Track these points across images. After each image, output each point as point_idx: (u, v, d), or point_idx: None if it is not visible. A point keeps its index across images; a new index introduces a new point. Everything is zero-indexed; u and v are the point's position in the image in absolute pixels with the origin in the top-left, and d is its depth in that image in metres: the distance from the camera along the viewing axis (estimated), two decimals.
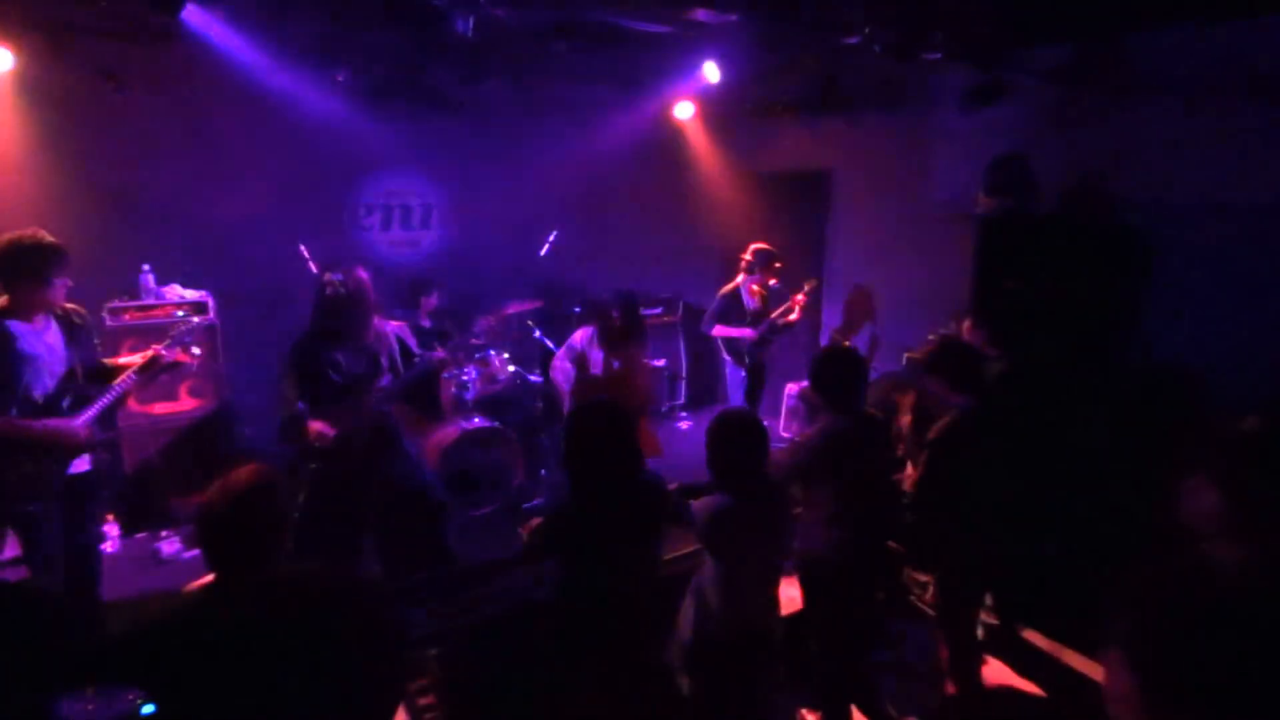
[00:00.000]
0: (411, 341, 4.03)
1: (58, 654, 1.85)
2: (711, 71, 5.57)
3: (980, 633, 3.79)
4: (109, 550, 4.46)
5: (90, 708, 2.72)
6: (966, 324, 4.54)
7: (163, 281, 4.98)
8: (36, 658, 1.80)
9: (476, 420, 5.20)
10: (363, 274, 3.68)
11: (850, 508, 2.95)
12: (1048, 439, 3.98)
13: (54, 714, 2.03)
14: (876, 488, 3.06)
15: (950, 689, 3.31)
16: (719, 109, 6.78)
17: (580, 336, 4.57)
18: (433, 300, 5.81)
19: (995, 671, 3.71)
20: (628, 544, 2.52)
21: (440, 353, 3.94)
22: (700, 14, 4.29)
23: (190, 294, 4.98)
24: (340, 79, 5.14)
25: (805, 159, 6.91)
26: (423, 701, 2.91)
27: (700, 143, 7.17)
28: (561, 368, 4.64)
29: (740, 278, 5.68)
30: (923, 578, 4.05)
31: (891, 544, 3.57)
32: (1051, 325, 4.51)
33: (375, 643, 1.18)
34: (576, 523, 2.48)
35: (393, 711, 1.19)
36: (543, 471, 5.62)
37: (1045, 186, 4.82)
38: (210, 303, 5.01)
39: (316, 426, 3.59)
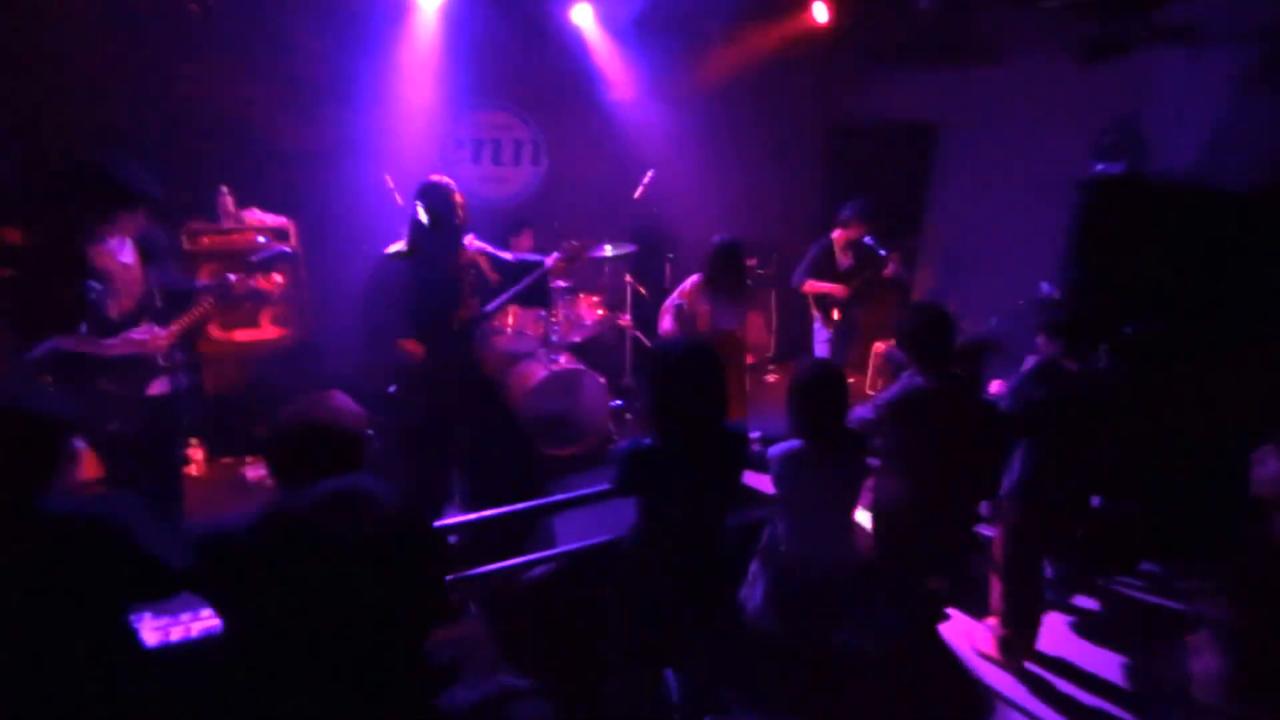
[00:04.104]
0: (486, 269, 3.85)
1: (135, 569, 1.83)
2: (820, 11, 5.17)
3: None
4: (193, 473, 4.47)
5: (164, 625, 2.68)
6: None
7: (242, 206, 4.86)
8: (115, 572, 1.80)
9: (563, 362, 4.99)
10: (457, 196, 3.50)
11: (932, 465, 2.95)
12: (1152, 408, 3.85)
13: (132, 631, 1.98)
14: (961, 447, 2.96)
15: (1005, 633, 3.38)
16: (827, 53, 6.29)
17: (689, 285, 4.32)
18: (525, 241, 5.59)
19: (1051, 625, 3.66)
20: (706, 487, 2.52)
21: (554, 255, 3.83)
22: None
23: (271, 219, 4.86)
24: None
25: (913, 111, 6.42)
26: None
27: (805, 88, 6.68)
28: (667, 320, 4.40)
29: (835, 232, 5.26)
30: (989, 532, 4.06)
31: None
32: (1168, 297, 4.17)
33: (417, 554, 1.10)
34: (658, 462, 2.43)
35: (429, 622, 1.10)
36: (628, 415, 5.40)
37: (1164, 151, 4.43)
38: (292, 230, 4.88)
39: (409, 343, 3.46)
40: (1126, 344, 3.92)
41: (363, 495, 1.07)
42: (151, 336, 3.04)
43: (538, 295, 5.00)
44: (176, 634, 2.73)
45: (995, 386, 3.44)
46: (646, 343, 5.00)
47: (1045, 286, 4.63)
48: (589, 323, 5.36)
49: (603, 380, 5.09)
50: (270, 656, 1.08)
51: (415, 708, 1.03)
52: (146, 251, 3.12)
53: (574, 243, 4.01)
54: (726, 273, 4.24)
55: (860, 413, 3.00)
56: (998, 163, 5.77)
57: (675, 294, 4.45)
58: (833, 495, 2.72)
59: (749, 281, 4.30)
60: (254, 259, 3.33)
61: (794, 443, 2.64)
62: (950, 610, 3.69)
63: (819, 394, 2.64)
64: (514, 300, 4.06)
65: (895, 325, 3.08)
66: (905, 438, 2.98)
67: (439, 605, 1.10)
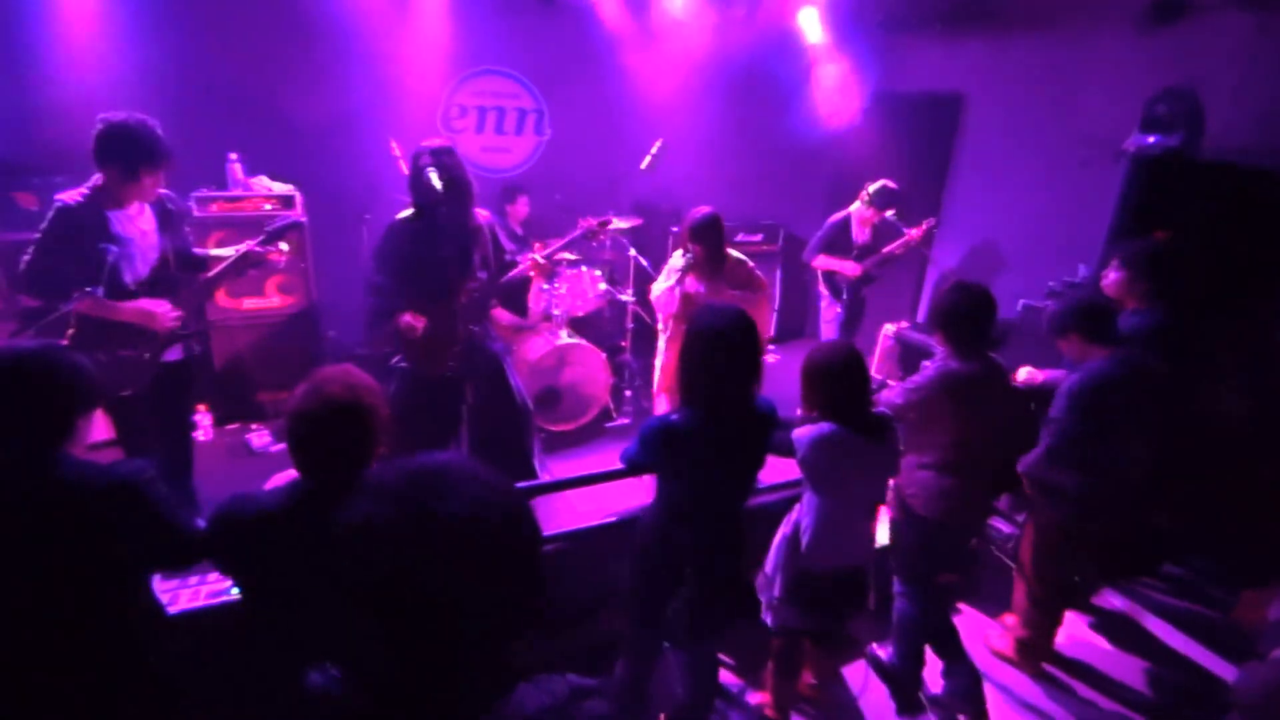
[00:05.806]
0: (503, 237, 3.80)
1: (153, 535, 1.85)
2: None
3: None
4: (202, 439, 4.50)
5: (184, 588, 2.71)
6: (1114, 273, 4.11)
7: (250, 174, 4.84)
8: (135, 537, 1.81)
9: (565, 336, 5.03)
10: (463, 159, 3.47)
11: (960, 455, 2.81)
12: (1190, 402, 3.57)
13: (149, 593, 2.02)
14: (991, 437, 2.84)
15: (1023, 634, 3.32)
16: (845, 18, 6.17)
17: (678, 257, 4.31)
18: (521, 208, 5.59)
19: (1070, 626, 3.56)
20: (730, 467, 2.44)
21: (534, 253, 3.72)
22: None
23: (279, 187, 4.84)
24: None
25: (937, 80, 6.19)
26: None
27: (821, 56, 6.55)
28: (660, 289, 4.39)
29: (854, 206, 5.21)
30: (1008, 529, 3.98)
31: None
32: (1206, 284, 3.93)
33: (496, 565, 0.96)
34: (685, 440, 2.34)
35: (512, 637, 0.99)
36: (627, 392, 5.45)
37: (1215, 128, 4.18)
38: (298, 198, 4.86)
39: (406, 318, 3.42)
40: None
41: (454, 478, 0.98)
42: (162, 312, 3.03)
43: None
44: (186, 598, 2.78)
45: (1022, 374, 3.32)
46: (648, 318, 5.01)
47: (1083, 269, 4.48)
48: (591, 297, 5.38)
49: (603, 355, 5.12)
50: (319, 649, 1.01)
51: (482, 710, 0.96)
52: (164, 217, 3.10)
53: (550, 246, 3.89)
54: (702, 248, 4.07)
55: (889, 397, 2.87)
56: (1028, 135, 5.53)
57: (666, 264, 4.44)
58: (861, 482, 2.59)
59: (721, 255, 4.22)
60: (267, 229, 3.29)
61: (824, 426, 2.47)
62: (961, 606, 3.65)
63: (845, 376, 2.49)
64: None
65: (931, 306, 2.90)
66: (936, 424, 2.82)
67: (528, 611, 0.97)
